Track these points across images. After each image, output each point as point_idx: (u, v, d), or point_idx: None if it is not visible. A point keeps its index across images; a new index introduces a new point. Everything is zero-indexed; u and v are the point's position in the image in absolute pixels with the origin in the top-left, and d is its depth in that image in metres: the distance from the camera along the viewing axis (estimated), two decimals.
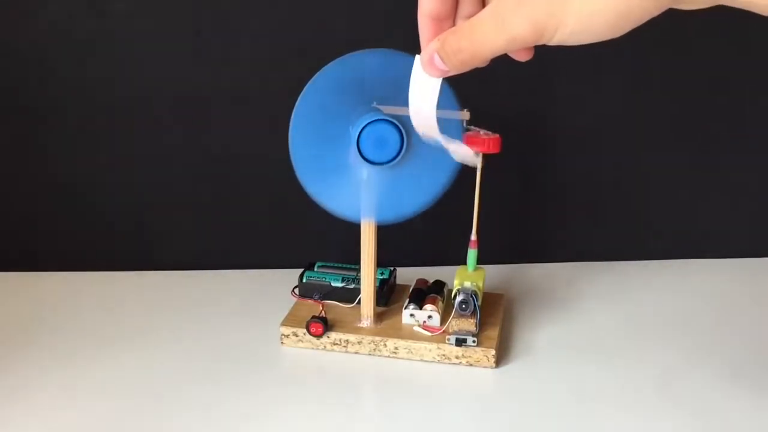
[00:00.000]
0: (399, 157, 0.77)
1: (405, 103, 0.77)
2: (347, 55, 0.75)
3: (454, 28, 0.49)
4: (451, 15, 0.50)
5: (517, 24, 0.43)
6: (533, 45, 0.46)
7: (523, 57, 0.51)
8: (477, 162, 0.76)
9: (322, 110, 0.77)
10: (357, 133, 0.75)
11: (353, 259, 0.88)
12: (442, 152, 0.79)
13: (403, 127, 0.76)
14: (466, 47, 0.46)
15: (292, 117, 0.76)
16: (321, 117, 0.77)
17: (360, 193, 0.80)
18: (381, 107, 0.77)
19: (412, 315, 0.87)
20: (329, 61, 0.75)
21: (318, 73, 0.75)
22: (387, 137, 0.76)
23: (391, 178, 0.78)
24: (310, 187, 0.78)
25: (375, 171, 0.78)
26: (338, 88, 0.76)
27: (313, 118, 0.77)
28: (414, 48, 0.76)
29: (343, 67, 0.75)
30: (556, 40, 0.44)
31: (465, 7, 0.50)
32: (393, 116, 0.76)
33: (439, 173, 0.79)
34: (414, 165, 0.78)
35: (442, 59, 0.49)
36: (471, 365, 0.83)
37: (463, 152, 0.73)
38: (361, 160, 0.76)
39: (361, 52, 0.75)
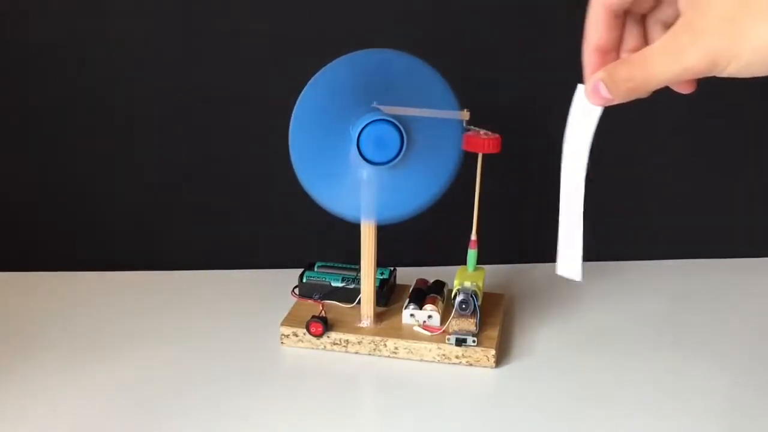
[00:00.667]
0: (399, 158, 0.77)
1: (405, 103, 0.77)
2: (347, 55, 0.75)
3: (622, 58, 0.52)
4: (616, 47, 0.53)
5: (692, 56, 0.45)
6: (703, 76, 0.47)
7: (687, 89, 0.53)
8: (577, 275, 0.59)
9: (322, 110, 0.77)
10: (357, 134, 0.75)
11: (353, 259, 0.88)
12: (441, 152, 0.79)
13: (402, 127, 0.76)
14: (636, 76, 0.48)
15: (293, 117, 0.76)
16: (321, 117, 0.77)
17: (360, 193, 0.79)
18: (381, 107, 0.77)
19: (412, 315, 0.87)
20: (329, 61, 0.75)
21: (318, 73, 0.75)
22: (387, 137, 0.76)
23: (390, 178, 0.78)
24: (310, 187, 0.78)
25: (375, 171, 0.78)
26: (338, 88, 0.76)
27: (313, 119, 0.77)
28: (413, 47, 0.76)
29: (343, 66, 0.75)
30: (728, 72, 0.45)
31: (629, 41, 0.53)
32: (393, 116, 0.76)
33: (438, 173, 0.79)
34: (413, 165, 0.78)
35: (607, 88, 0.50)
36: (471, 365, 0.83)
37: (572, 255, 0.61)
38: (361, 160, 0.76)
39: (361, 51, 0.75)
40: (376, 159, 0.77)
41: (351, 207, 0.80)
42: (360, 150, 0.76)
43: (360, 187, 0.79)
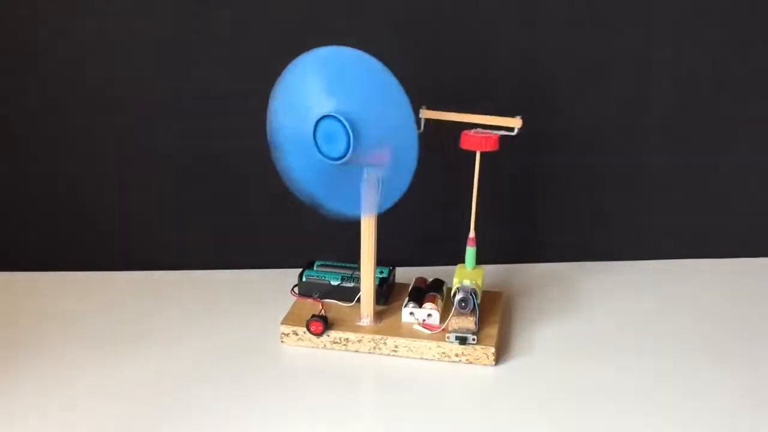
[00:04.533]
0: (347, 157, 0.76)
1: (363, 102, 0.76)
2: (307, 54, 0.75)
3: None
4: None
5: None
6: None
7: None
8: None
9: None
10: (312, 127, 0.75)
11: (352, 258, 0.88)
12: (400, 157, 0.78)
13: (351, 126, 0.75)
14: None
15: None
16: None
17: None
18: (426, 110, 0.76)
19: (411, 313, 0.87)
20: None
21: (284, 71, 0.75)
22: (335, 134, 0.75)
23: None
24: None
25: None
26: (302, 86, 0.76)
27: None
28: (412, 47, 0.76)
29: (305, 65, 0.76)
30: None
31: None
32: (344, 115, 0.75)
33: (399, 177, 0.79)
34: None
35: None
36: (471, 363, 0.83)
37: None
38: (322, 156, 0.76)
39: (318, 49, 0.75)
40: (331, 154, 0.76)
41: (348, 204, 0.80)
42: (316, 143, 0.75)
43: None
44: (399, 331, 0.86)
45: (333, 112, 0.74)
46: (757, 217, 1.09)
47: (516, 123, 0.79)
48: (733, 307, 0.97)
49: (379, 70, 0.74)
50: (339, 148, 0.75)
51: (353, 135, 0.74)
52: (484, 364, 0.83)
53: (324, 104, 0.76)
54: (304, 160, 0.78)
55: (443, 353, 0.84)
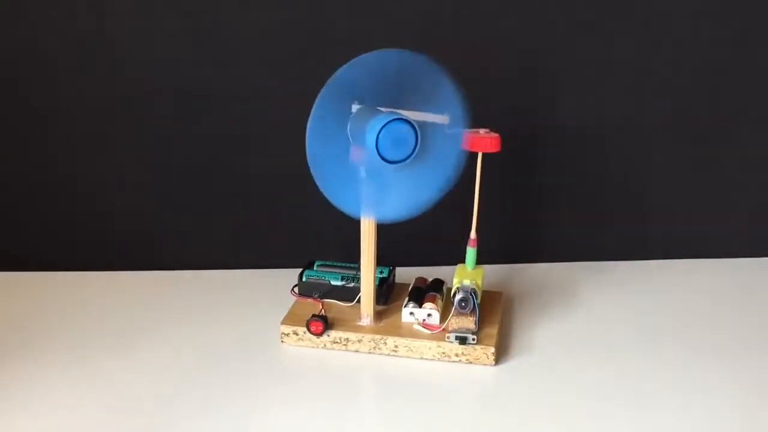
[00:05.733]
0: (412, 156, 0.76)
1: (411, 102, 0.77)
2: (362, 56, 0.74)
3: None
4: None
5: None
6: None
7: None
8: None
9: (336, 110, 0.76)
10: (376, 133, 0.74)
11: (352, 258, 0.88)
12: (444, 155, 0.78)
13: (418, 126, 0.76)
14: None
15: (310, 118, 0.75)
16: (335, 117, 0.76)
17: (361, 192, 0.79)
18: (379, 107, 0.77)
19: (411, 313, 0.87)
20: (328, 62, 0.75)
21: (335, 73, 0.74)
22: (404, 137, 0.75)
23: (393, 178, 0.78)
24: (324, 187, 0.77)
25: (376, 170, 0.77)
26: (353, 88, 0.75)
27: (328, 119, 0.76)
28: (413, 47, 0.76)
29: (357, 67, 0.75)
30: None
31: None
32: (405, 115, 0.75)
33: (439, 176, 0.79)
34: (416, 167, 0.78)
35: None
36: (470, 363, 0.83)
37: None
38: (378, 159, 0.75)
39: (374, 52, 0.74)
40: (395, 157, 0.76)
41: (356, 204, 0.79)
42: (378, 149, 0.75)
43: (361, 186, 0.79)
44: (399, 331, 0.86)
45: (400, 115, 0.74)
46: (757, 217, 1.09)
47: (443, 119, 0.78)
48: (733, 306, 0.97)
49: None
50: (405, 150, 0.75)
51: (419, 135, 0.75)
52: (484, 364, 0.83)
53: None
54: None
55: (443, 353, 0.84)
